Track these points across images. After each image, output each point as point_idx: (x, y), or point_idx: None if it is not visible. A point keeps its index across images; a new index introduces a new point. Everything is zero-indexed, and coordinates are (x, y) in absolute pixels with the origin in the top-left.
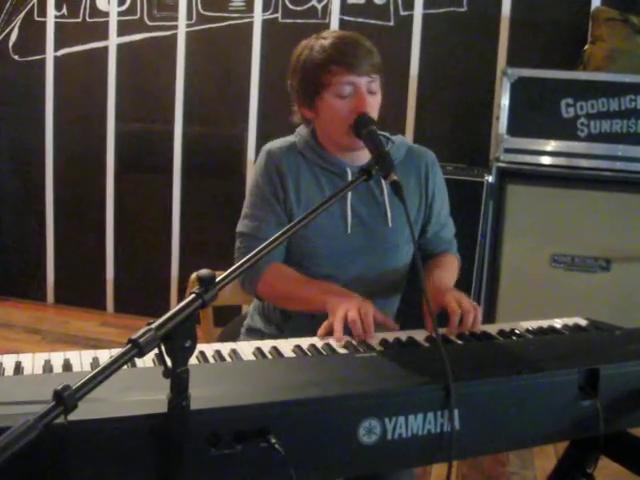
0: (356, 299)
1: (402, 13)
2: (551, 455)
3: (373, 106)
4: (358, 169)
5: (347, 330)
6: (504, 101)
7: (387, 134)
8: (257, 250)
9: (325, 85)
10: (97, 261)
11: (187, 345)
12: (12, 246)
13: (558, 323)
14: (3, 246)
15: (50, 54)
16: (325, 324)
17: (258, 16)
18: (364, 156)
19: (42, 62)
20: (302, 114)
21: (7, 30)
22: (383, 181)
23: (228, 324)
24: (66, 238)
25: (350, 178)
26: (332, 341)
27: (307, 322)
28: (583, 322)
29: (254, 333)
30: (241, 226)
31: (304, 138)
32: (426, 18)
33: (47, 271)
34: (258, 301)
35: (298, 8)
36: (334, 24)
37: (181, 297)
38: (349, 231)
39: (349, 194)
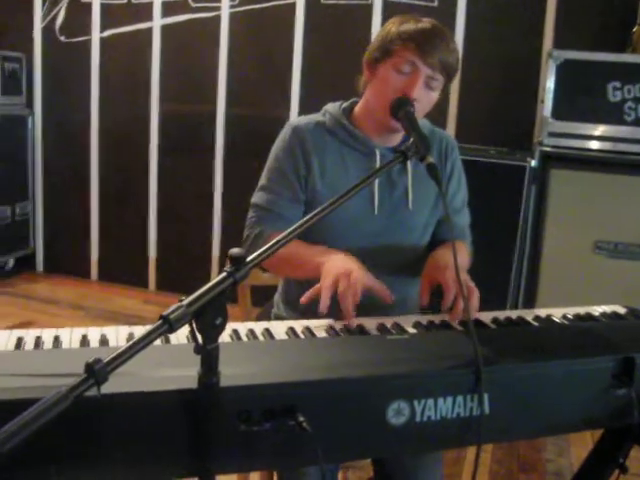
0: (350, 265)
1: None
2: (588, 443)
3: (424, 99)
4: (392, 150)
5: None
6: (549, 84)
7: None
8: (291, 229)
9: (392, 54)
10: (140, 239)
11: (218, 322)
12: (57, 224)
13: (596, 310)
14: (49, 223)
15: (96, 35)
16: (311, 291)
17: None
18: (395, 139)
19: (88, 43)
20: (363, 74)
21: (54, 12)
22: (408, 163)
23: (265, 305)
24: (110, 217)
25: (378, 159)
26: (318, 327)
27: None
28: (622, 310)
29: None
30: (256, 197)
31: (334, 116)
32: None
33: (91, 249)
34: (282, 288)
35: None
36: (377, 5)
37: None
38: (376, 212)
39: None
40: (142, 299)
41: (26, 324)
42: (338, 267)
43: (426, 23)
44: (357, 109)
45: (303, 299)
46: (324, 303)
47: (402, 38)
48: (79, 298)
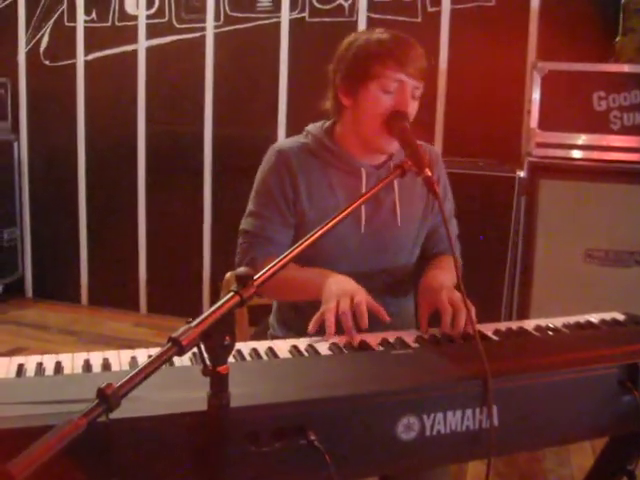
0: (351, 286)
1: (430, 9)
2: (588, 452)
3: (412, 111)
4: (377, 168)
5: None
6: (535, 95)
7: None
8: (293, 248)
9: (374, 76)
10: (130, 262)
11: (226, 343)
12: (46, 248)
13: (595, 318)
14: (37, 249)
15: (80, 59)
16: (316, 317)
17: (285, 16)
18: (379, 156)
19: (73, 67)
20: (338, 100)
21: (38, 36)
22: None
23: (259, 326)
24: (99, 240)
25: (364, 177)
26: (320, 344)
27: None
28: (621, 316)
29: None
30: (245, 224)
31: (317, 137)
32: (454, 13)
33: (81, 273)
34: (276, 310)
35: (325, 7)
36: (361, 22)
37: (213, 296)
38: (362, 231)
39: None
40: (134, 322)
41: (17, 350)
42: (339, 289)
43: (391, 35)
44: (339, 128)
45: (311, 328)
46: (330, 330)
47: (380, 56)
48: (70, 323)
